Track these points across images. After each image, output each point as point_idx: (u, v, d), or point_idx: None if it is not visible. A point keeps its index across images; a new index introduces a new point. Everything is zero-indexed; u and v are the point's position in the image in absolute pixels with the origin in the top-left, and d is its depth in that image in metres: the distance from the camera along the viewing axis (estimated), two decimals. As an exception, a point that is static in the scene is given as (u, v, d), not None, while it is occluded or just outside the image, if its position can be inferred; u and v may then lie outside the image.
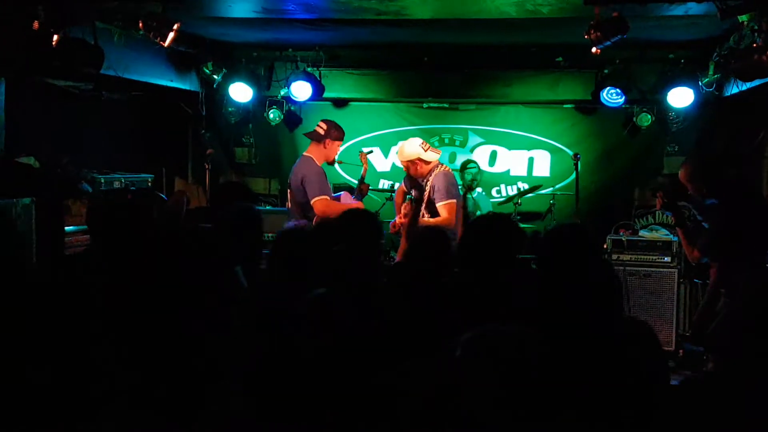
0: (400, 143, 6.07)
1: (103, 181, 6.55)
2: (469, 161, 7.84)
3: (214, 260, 2.68)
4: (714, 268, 4.93)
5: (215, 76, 7.77)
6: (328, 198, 5.61)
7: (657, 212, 7.48)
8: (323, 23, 6.34)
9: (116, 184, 6.68)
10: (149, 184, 7.17)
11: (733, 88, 6.59)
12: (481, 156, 8.27)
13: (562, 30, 6.37)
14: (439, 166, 5.67)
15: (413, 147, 5.64)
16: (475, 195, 7.56)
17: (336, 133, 5.88)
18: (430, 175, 5.59)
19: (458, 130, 8.37)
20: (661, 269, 6.42)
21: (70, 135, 6.79)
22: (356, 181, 6.30)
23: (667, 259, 6.49)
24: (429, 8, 5.61)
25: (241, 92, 7.87)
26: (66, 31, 5.10)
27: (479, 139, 8.34)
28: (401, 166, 5.90)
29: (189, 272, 2.53)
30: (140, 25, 5.35)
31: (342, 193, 6.01)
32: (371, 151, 6.55)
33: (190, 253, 2.64)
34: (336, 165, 6.31)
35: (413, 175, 5.72)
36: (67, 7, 5.09)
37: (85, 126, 7.04)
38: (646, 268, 6.45)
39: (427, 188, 5.57)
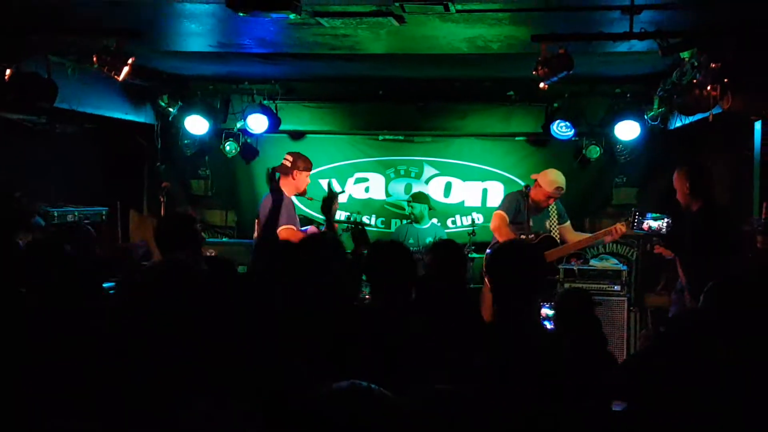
0: (548, 174, 6.69)
1: (56, 214, 6.49)
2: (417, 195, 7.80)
3: None
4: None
5: (171, 109, 7.76)
6: (294, 228, 5.66)
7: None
8: (279, 57, 6.41)
9: (70, 218, 6.63)
10: (103, 217, 7.13)
11: (677, 122, 6.82)
12: (436, 187, 8.37)
13: (512, 65, 6.54)
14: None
15: None
16: (427, 226, 7.60)
17: (303, 163, 5.99)
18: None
19: (413, 162, 8.46)
20: (612, 297, 6.56)
21: (24, 168, 6.72)
22: (322, 217, 6.30)
23: (618, 287, 6.64)
24: (382, 44, 5.71)
25: (197, 125, 7.87)
26: (19, 64, 5.10)
27: (434, 171, 8.44)
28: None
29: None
30: (94, 59, 5.36)
31: (309, 227, 6.07)
32: (342, 192, 6.57)
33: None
34: (305, 200, 6.29)
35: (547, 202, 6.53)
36: (20, 41, 5.09)
37: (39, 159, 6.97)
38: (597, 296, 6.53)
39: (554, 212, 6.64)
